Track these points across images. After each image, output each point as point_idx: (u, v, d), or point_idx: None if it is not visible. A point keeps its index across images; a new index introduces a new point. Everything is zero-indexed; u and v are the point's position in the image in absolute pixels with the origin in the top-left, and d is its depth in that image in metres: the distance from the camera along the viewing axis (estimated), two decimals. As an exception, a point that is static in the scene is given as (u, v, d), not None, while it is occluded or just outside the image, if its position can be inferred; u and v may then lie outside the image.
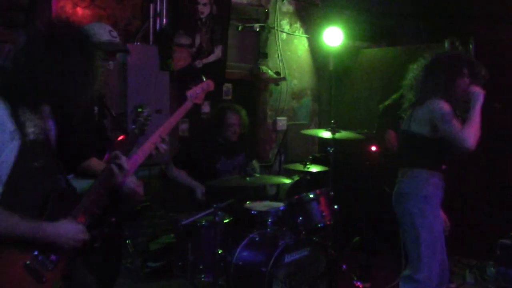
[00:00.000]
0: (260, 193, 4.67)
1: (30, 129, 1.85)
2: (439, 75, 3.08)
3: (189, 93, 2.88)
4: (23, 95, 1.82)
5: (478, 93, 3.06)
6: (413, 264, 3.14)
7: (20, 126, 1.81)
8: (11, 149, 1.79)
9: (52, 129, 2.03)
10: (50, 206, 1.89)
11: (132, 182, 2.38)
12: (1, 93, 1.81)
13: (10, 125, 1.79)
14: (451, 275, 4.50)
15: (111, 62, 2.78)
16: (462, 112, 3.15)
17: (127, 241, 4.32)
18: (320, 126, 6.15)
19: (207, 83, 3.00)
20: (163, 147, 2.52)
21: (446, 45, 4.97)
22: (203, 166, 4.12)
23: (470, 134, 2.95)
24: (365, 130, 5.23)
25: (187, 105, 2.81)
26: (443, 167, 3.16)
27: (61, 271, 1.90)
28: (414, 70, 3.23)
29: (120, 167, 2.07)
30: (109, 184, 2.07)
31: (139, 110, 2.37)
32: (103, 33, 2.74)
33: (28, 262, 1.80)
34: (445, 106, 3.01)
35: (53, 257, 1.87)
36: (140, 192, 2.46)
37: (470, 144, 2.92)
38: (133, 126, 2.33)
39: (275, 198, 4.94)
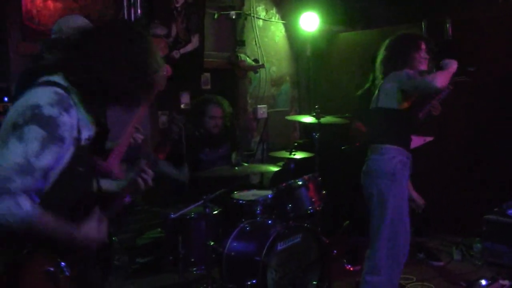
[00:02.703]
0: (244, 182, 4.63)
1: (85, 135, 1.78)
2: (399, 50, 3.25)
3: None
4: (100, 94, 1.77)
5: (452, 61, 3.15)
6: (373, 245, 3.23)
7: (79, 132, 1.74)
8: (68, 155, 1.72)
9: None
10: (83, 209, 1.82)
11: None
12: (79, 90, 1.74)
13: (75, 132, 1.72)
14: (439, 253, 4.58)
15: None
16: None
17: (113, 238, 4.23)
18: (300, 112, 6.14)
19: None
20: (139, 136, 2.72)
21: (423, 26, 5.00)
22: (187, 157, 4.04)
23: (436, 76, 3.03)
24: (346, 114, 5.21)
25: None
26: (409, 144, 3.25)
27: (75, 273, 1.83)
28: (381, 52, 3.38)
29: (146, 182, 2.05)
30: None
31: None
32: None
33: (51, 268, 1.71)
34: (409, 71, 3.15)
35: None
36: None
37: (436, 84, 2.99)
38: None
39: (259, 186, 4.91)
